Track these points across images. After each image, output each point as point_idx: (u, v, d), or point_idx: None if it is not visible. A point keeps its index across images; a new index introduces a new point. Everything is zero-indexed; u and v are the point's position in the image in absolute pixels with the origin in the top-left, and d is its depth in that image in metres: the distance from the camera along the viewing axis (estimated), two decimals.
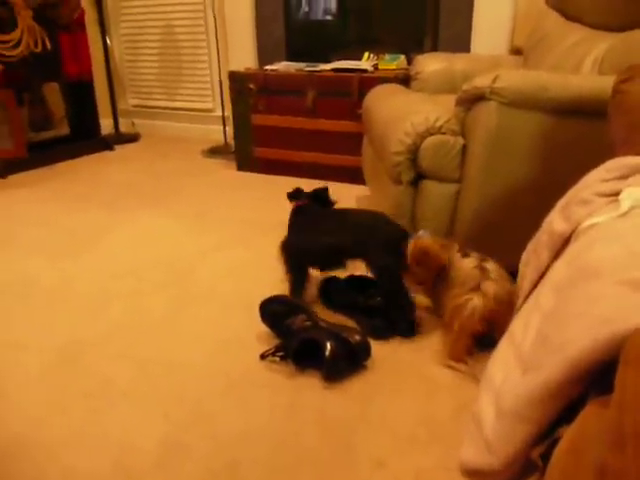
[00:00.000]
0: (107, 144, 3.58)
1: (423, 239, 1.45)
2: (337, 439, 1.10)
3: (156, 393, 1.25)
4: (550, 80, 1.45)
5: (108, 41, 3.71)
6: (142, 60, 3.85)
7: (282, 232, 2.10)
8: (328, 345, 1.26)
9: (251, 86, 2.79)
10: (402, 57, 2.76)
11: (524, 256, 1.18)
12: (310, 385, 1.27)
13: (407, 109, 1.70)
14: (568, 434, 0.63)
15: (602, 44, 1.75)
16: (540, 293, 0.86)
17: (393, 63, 2.72)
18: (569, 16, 2.06)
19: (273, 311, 1.42)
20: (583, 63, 1.76)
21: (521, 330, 0.84)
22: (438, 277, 1.44)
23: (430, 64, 2.22)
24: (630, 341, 0.54)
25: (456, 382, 1.27)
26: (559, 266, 0.86)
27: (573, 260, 0.83)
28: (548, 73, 1.53)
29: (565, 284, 0.81)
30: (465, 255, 1.40)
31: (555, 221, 1.03)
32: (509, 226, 1.55)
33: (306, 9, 3.35)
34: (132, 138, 3.80)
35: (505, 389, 0.77)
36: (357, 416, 1.16)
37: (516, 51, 2.65)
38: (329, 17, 3.32)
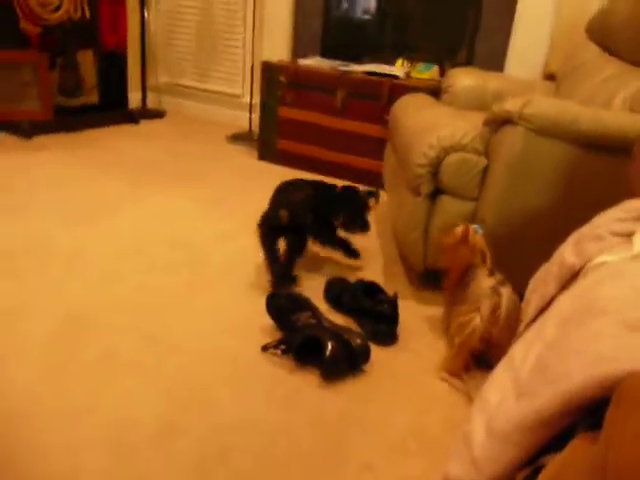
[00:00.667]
0: (133, 117, 3.62)
1: (475, 231, 1.47)
2: (329, 438, 1.13)
3: (158, 370, 1.29)
4: (581, 113, 1.46)
5: (146, 15, 3.74)
6: (177, 38, 3.89)
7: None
8: (329, 345, 1.29)
9: (281, 78, 2.82)
10: (435, 67, 2.77)
11: (531, 283, 1.20)
12: (308, 382, 1.30)
13: (435, 122, 1.72)
14: (554, 463, 0.65)
15: (635, 82, 1.76)
16: (544, 323, 0.88)
17: (426, 73, 2.73)
18: (608, 49, 2.06)
19: (279, 305, 1.45)
20: (614, 99, 1.77)
21: (521, 356, 0.87)
22: (460, 284, 1.46)
23: (463, 79, 2.23)
24: (623, 383, 0.57)
25: (450, 396, 1.30)
26: (565, 299, 0.88)
27: (580, 295, 0.85)
28: (579, 106, 1.54)
29: (569, 317, 0.83)
30: (491, 274, 1.42)
31: (566, 254, 1.05)
32: (520, 251, 1.57)
33: (346, 6, 3.36)
34: (158, 114, 3.84)
35: (499, 411, 0.80)
36: (351, 418, 1.19)
37: (549, 76, 2.66)
38: (367, 17, 3.32)
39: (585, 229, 1.07)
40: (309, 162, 2.91)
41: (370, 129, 2.70)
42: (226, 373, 1.30)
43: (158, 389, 1.23)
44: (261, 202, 2.39)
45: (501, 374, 0.89)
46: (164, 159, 2.92)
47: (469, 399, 1.29)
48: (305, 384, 1.29)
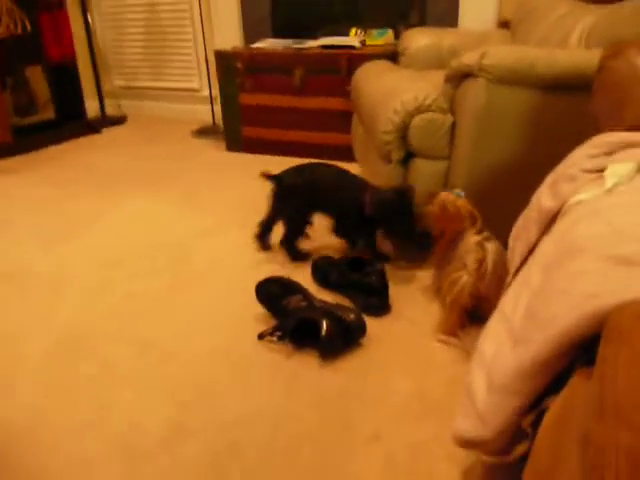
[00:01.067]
0: (93, 127, 3.55)
1: (456, 198, 1.45)
2: (334, 416, 1.14)
3: (158, 376, 1.28)
4: (537, 56, 1.46)
5: (90, 20, 3.65)
6: (126, 39, 3.80)
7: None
8: (324, 324, 1.29)
9: (238, 65, 2.77)
10: (390, 32, 2.74)
11: (514, 231, 1.21)
12: (307, 364, 1.30)
13: (396, 87, 1.71)
14: (555, 405, 0.66)
15: (589, 17, 1.75)
16: (529, 270, 0.89)
17: (381, 38, 2.70)
18: None
19: (269, 292, 1.44)
20: (570, 37, 1.77)
21: (511, 305, 0.87)
22: (449, 247, 1.46)
23: (418, 39, 2.21)
24: (611, 317, 0.57)
25: (449, 357, 1.31)
26: (547, 243, 0.89)
27: (560, 237, 0.86)
28: (535, 49, 1.54)
29: (552, 261, 0.83)
30: (479, 232, 1.42)
31: (543, 197, 1.06)
32: (498, 202, 1.57)
33: None
34: (119, 120, 3.77)
35: (496, 363, 0.80)
36: (353, 393, 1.20)
37: (504, 24, 2.64)
38: None
39: (559, 170, 1.07)
40: (277, 146, 2.88)
41: (333, 103, 2.67)
42: (225, 368, 1.29)
43: (161, 393, 1.22)
44: (235, 194, 2.38)
45: (494, 326, 0.90)
46: (132, 165, 2.88)
47: (468, 356, 1.30)
48: (304, 367, 1.29)
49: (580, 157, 1.03)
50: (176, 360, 1.33)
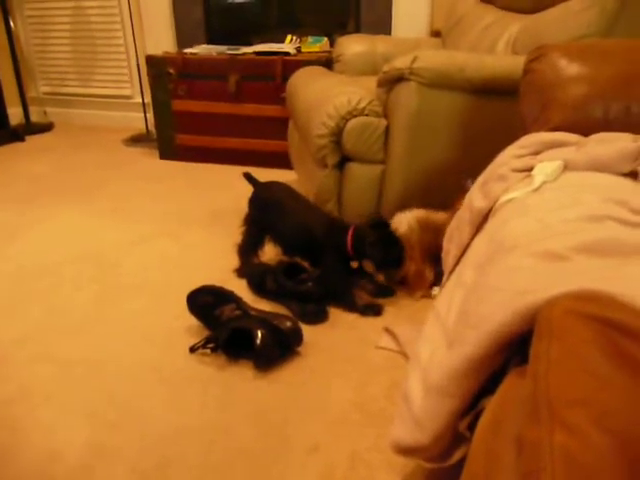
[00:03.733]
0: (17, 135, 3.35)
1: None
2: (270, 429, 1.09)
3: (80, 395, 1.18)
4: (466, 60, 1.48)
5: (12, 24, 3.45)
6: (52, 44, 3.62)
7: (207, 223, 2.06)
8: (259, 333, 1.24)
9: (170, 70, 2.69)
10: (325, 39, 2.74)
11: (447, 232, 1.20)
12: (242, 375, 1.24)
13: (329, 92, 1.69)
14: (490, 405, 0.64)
15: (514, 25, 1.81)
16: (462, 269, 0.88)
17: (316, 45, 2.69)
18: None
19: (201, 302, 1.38)
20: (497, 44, 1.81)
21: (445, 306, 0.86)
22: None
23: (352, 46, 2.22)
24: (542, 314, 0.56)
25: (389, 363, 1.28)
26: (479, 242, 0.88)
27: (491, 236, 0.85)
28: (464, 54, 1.56)
29: (484, 260, 0.82)
30: None
31: (475, 198, 1.06)
32: (432, 204, 1.58)
33: None
34: (45, 128, 3.58)
35: (432, 365, 0.78)
36: (290, 404, 1.15)
37: (436, 33, 2.70)
38: (247, 2, 3.24)
39: (489, 170, 1.08)
40: (212, 153, 2.81)
41: (268, 110, 2.64)
42: (153, 383, 1.22)
43: (83, 414, 1.13)
44: (168, 203, 2.29)
45: (430, 328, 0.88)
46: (59, 174, 2.72)
47: (408, 360, 1.28)
48: (239, 378, 1.23)
49: (509, 157, 1.04)
50: (101, 377, 1.24)
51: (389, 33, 2.82)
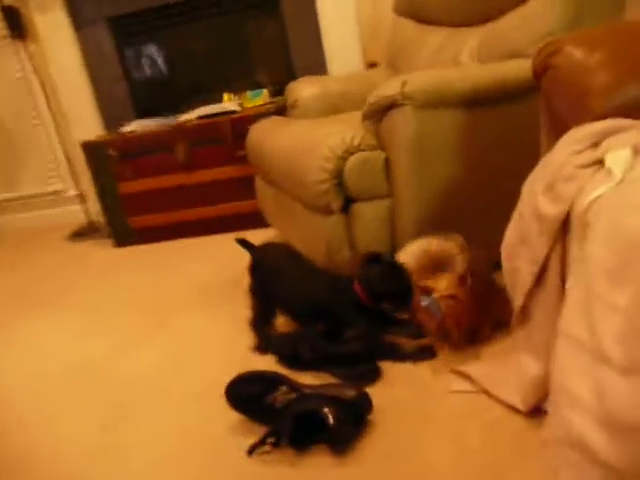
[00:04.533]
0: None
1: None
2: None
3: None
4: (451, 75, 1.45)
5: None
6: None
7: (199, 304, 1.86)
8: (327, 412, 1.07)
9: (111, 153, 2.50)
10: (265, 91, 2.67)
11: (505, 251, 1.11)
12: (321, 466, 1.06)
13: (313, 135, 1.59)
14: None
15: (471, 39, 1.80)
16: (587, 283, 0.77)
17: (258, 99, 2.62)
18: (424, 20, 2.11)
19: (245, 393, 1.19)
20: (459, 59, 1.79)
21: (585, 330, 0.75)
22: None
23: (305, 90, 2.14)
24: None
25: (473, 407, 1.14)
26: (596, 249, 0.78)
27: (612, 239, 0.76)
28: (447, 70, 1.53)
29: (618, 267, 0.73)
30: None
31: (541, 206, 0.97)
32: (453, 224, 1.49)
33: (145, 63, 3.13)
34: None
35: (611, 401, 0.66)
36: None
37: (372, 65, 2.70)
38: (173, 67, 3.13)
39: (544, 173, 0.99)
40: (172, 229, 2.62)
41: (225, 172, 2.50)
42: None
43: None
44: (142, 294, 2.07)
45: (569, 359, 0.76)
46: (7, 284, 2.43)
47: (490, 395, 1.15)
48: (319, 471, 1.05)
49: (567, 155, 0.97)
50: None
51: (325, 73, 2.79)
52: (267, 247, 1.58)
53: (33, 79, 3.01)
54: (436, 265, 1.35)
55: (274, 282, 1.47)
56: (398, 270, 1.34)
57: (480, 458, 1.00)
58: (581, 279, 0.79)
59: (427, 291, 1.26)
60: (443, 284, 1.25)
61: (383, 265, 1.36)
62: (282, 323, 1.56)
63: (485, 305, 1.31)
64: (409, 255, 1.40)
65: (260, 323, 1.53)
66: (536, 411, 1.07)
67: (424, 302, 1.24)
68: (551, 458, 0.77)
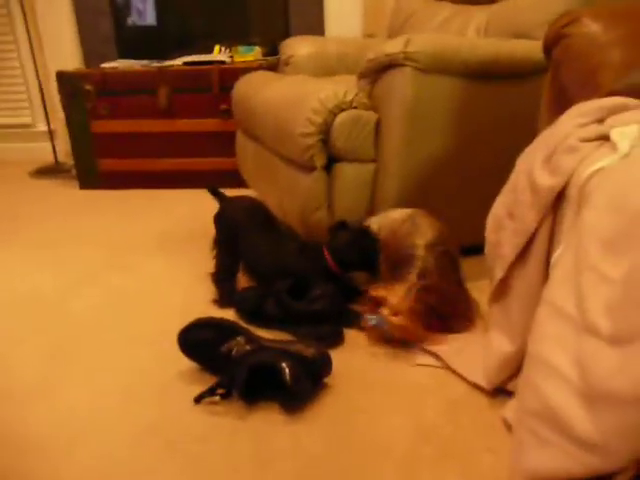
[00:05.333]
0: None
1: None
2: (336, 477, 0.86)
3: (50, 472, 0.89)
4: (460, 43, 1.38)
5: None
6: None
7: (160, 252, 1.78)
8: (285, 367, 1.01)
9: (87, 87, 2.37)
10: (257, 48, 2.56)
11: (492, 222, 1.06)
12: (271, 422, 1.00)
13: (305, 89, 1.51)
14: None
15: (479, 15, 1.75)
16: (582, 253, 0.72)
17: (249, 54, 2.51)
18: None
19: (200, 340, 1.12)
20: (466, 33, 1.74)
21: (569, 299, 0.70)
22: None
23: (302, 48, 2.06)
24: None
25: (435, 382, 1.10)
26: (595, 218, 0.73)
27: (613, 210, 0.71)
28: (455, 37, 1.46)
29: (617, 236, 0.68)
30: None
31: (538, 176, 0.92)
32: (435, 199, 1.45)
33: (135, 7, 2.97)
34: None
35: (593, 371, 0.61)
36: (342, 448, 0.94)
37: (369, 37, 2.63)
38: (162, 16, 2.99)
39: (546, 145, 0.94)
40: (142, 178, 2.51)
41: (206, 124, 2.40)
42: (160, 451, 0.94)
43: None
44: (100, 237, 1.97)
45: (550, 328, 0.72)
46: None
47: (453, 372, 1.11)
48: (269, 426, 0.99)
49: (571, 127, 0.92)
50: (88, 455, 0.94)
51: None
52: (238, 200, 1.50)
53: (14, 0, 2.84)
54: (398, 250, 1.29)
55: (242, 239, 1.41)
56: (366, 238, 1.31)
57: (438, 434, 0.96)
58: (572, 248, 0.74)
59: (378, 303, 1.21)
60: (394, 299, 1.18)
61: (352, 233, 1.33)
62: (245, 278, 1.50)
63: (451, 303, 1.27)
64: (376, 226, 1.35)
65: (223, 277, 1.45)
66: (499, 391, 1.04)
67: (372, 322, 1.20)
68: (518, 432, 0.72)
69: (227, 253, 1.45)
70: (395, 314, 1.17)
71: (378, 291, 1.22)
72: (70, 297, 1.51)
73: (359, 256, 1.33)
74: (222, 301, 1.42)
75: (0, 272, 1.71)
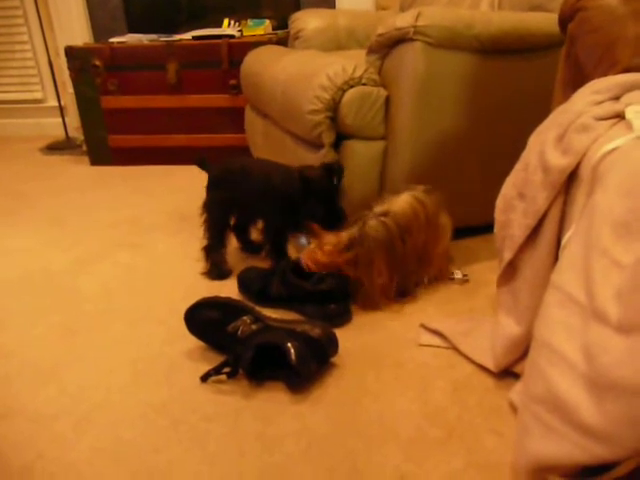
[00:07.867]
0: None
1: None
2: (336, 465, 0.87)
3: (74, 459, 0.90)
4: (473, 16, 1.33)
5: None
6: None
7: (170, 230, 1.78)
8: (291, 347, 1.01)
9: (96, 63, 2.35)
10: (267, 22, 2.52)
11: (501, 203, 1.04)
12: (277, 402, 1.01)
13: (315, 64, 1.48)
14: None
15: None
16: (591, 235, 0.70)
17: (259, 28, 2.47)
18: None
19: (206, 319, 1.12)
20: (479, 6, 1.69)
21: (580, 286, 0.68)
22: None
23: (312, 21, 2.02)
24: None
25: (441, 362, 1.10)
26: (607, 200, 0.71)
27: (627, 192, 0.69)
28: (468, 11, 1.42)
29: (631, 223, 0.66)
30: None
31: (550, 156, 0.89)
32: (446, 176, 1.42)
33: None
34: None
35: (603, 360, 0.60)
36: (349, 429, 0.94)
37: (382, 10, 2.56)
38: None
39: (558, 123, 0.92)
40: (153, 154, 2.51)
41: (216, 100, 2.38)
42: (167, 430, 0.95)
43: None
44: (111, 213, 1.98)
45: (558, 314, 0.70)
46: None
47: (460, 352, 1.11)
48: (275, 406, 1.00)
49: (586, 105, 0.89)
50: (95, 435, 0.96)
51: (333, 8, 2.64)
52: (225, 162, 1.52)
53: None
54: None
55: (238, 180, 1.43)
56: (330, 181, 1.34)
57: (444, 415, 0.96)
58: (583, 230, 0.72)
59: (317, 237, 1.29)
60: (329, 247, 1.25)
61: (324, 171, 1.35)
62: (232, 250, 1.53)
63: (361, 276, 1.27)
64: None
65: (212, 247, 1.46)
66: (506, 373, 1.03)
67: (301, 240, 1.47)
68: (523, 418, 0.72)
69: (216, 216, 1.47)
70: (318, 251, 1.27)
71: (322, 230, 1.29)
72: (80, 275, 1.52)
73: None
74: (211, 273, 1.43)
75: (11, 249, 1.73)
